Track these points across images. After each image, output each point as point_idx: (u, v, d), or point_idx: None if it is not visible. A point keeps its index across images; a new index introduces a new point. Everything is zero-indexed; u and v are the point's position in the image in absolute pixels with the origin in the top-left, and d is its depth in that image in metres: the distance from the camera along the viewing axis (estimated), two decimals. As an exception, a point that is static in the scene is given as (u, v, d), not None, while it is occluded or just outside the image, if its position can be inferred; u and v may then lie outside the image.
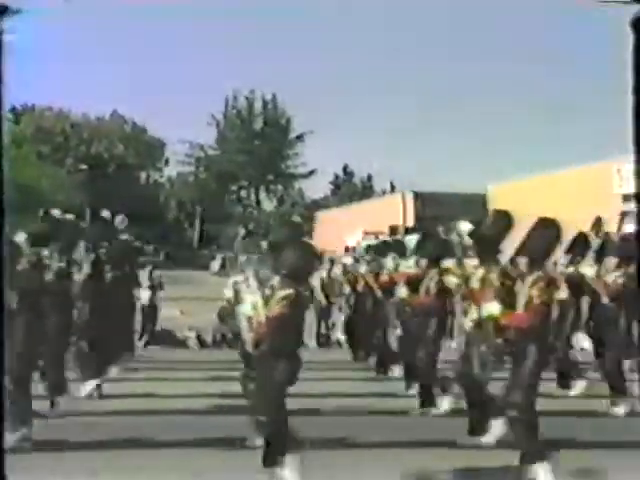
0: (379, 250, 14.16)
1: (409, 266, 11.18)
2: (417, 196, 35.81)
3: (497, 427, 8.15)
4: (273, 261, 7.13)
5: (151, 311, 18.76)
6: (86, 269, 11.73)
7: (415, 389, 10.45)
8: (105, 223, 16.29)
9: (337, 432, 8.48)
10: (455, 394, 9.59)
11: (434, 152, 56.50)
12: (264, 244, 9.03)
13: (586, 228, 13.18)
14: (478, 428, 8.38)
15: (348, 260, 17.95)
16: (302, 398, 8.31)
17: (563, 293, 11.28)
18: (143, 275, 18.07)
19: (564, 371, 11.77)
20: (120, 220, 16.39)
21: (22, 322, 8.03)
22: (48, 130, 49.67)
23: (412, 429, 8.89)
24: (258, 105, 51.17)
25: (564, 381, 11.72)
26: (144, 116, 51.83)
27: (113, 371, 12.71)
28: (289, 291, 6.69)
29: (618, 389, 10.45)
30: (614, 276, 10.59)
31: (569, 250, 11.66)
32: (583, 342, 14.07)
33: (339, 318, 18.16)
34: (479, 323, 8.67)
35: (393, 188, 47.54)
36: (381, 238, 20.74)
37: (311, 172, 51.00)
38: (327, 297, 18.81)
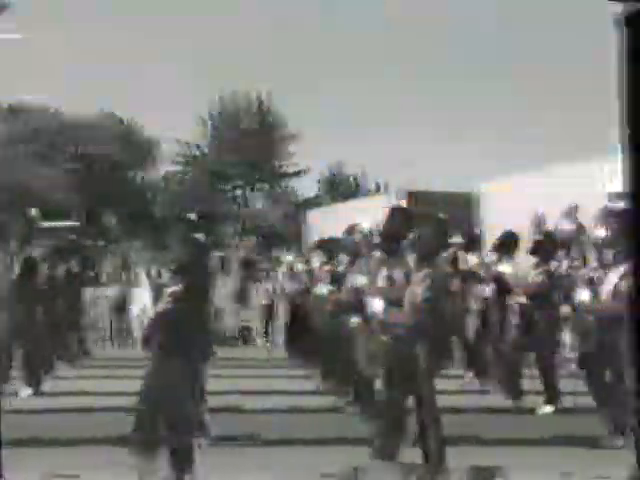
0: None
1: None
2: (410, 195, 35.77)
3: None
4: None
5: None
6: (17, 269, 11.62)
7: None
8: (30, 221, 15.93)
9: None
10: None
11: (422, 150, 56.62)
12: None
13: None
14: None
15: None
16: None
17: (486, 291, 11.57)
18: (142, 275, 17.99)
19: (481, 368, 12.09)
20: (33, 213, 16.00)
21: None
22: (42, 129, 49.62)
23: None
24: (250, 104, 51.22)
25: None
26: (139, 116, 51.83)
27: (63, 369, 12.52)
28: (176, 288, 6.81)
29: (549, 387, 10.58)
30: (533, 274, 10.70)
31: (497, 248, 11.79)
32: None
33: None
34: (365, 321, 8.82)
35: (384, 187, 47.61)
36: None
37: (302, 171, 51.10)
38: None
